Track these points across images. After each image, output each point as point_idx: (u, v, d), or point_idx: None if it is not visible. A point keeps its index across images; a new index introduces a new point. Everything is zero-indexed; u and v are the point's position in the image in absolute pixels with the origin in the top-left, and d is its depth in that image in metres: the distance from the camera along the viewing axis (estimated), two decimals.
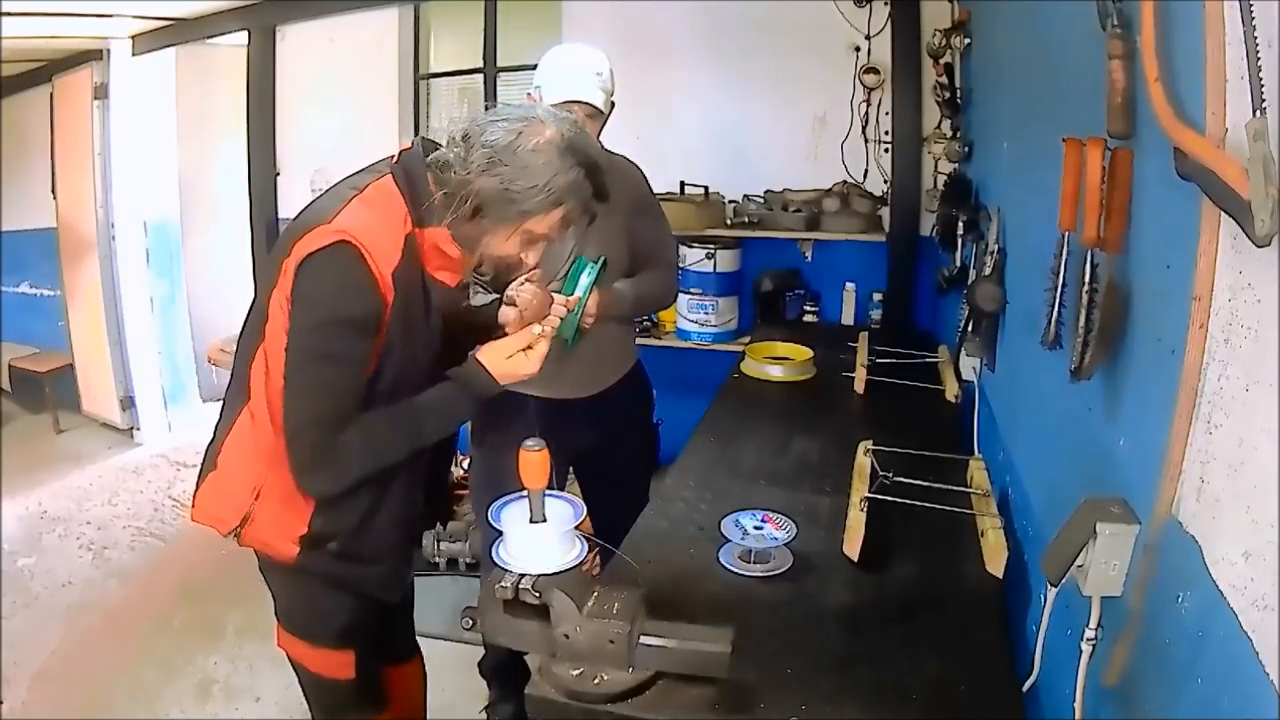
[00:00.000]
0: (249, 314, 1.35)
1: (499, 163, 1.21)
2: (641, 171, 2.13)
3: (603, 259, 1.87)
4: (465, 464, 3.02)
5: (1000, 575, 1.41)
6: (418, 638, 1.79)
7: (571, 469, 2.18)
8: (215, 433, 1.41)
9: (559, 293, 1.81)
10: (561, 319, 1.70)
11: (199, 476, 1.43)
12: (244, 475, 1.37)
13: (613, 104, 1.93)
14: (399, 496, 1.42)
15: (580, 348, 1.94)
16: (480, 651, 2.22)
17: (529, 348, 1.37)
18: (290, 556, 1.37)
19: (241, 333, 1.37)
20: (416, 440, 1.35)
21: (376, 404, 1.31)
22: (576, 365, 2.00)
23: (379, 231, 1.24)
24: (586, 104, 1.83)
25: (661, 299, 2.25)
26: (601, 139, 1.96)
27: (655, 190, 2.29)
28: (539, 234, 1.27)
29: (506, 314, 1.54)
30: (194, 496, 1.43)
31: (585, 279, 1.82)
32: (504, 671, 2.15)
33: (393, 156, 1.33)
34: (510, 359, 1.36)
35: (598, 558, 1.55)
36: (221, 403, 1.42)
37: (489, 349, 1.38)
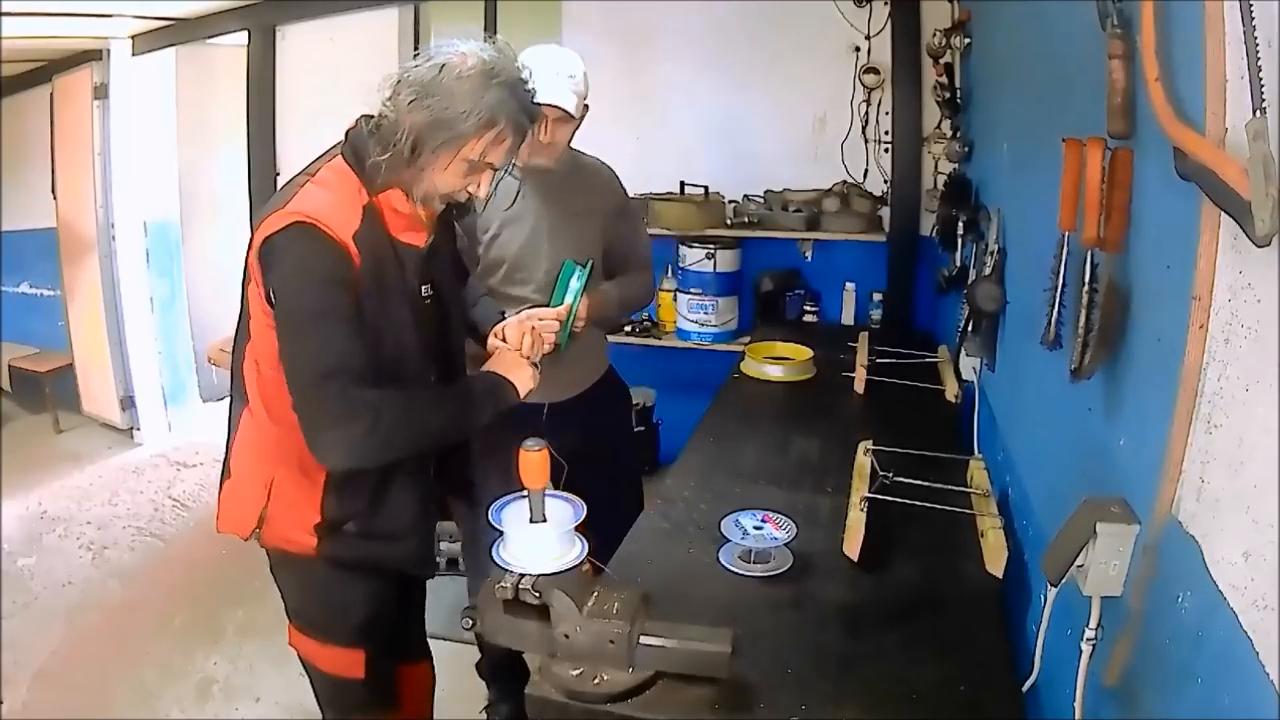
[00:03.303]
0: (238, 318, 1.37)
1: (426, 95, 1.23)
2: (614, 173, 2.11)
3: (590, 262, 1.87)
4: None
5: (1000, 575, 1.41)
6: None
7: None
8: (227, 441, 1.43)
9: (546, 304, 1.82)
10: (556, 331, 1.72)
11: (219, 486, 1.46)
12: (255, 477, 1.38)
13: (586, 107, 1.90)
14: (408, 470, 1.41)
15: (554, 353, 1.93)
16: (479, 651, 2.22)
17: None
18: (310, 548, 1.38)
19: (235, 337, 1.38)
20: (446, 420, 1.37)
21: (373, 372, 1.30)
22: (553, 370, 1.99)
23: (334, 206, 1.26)
24: (556, 107, 1.79)
25: (642, 299, 2.24)
26: (575, 142, 1.93)
27: (655, 190, 2.29)
28: (479, 160, 1.28)
29: (494, 346, 1.57)
30: (218, 507, 1.45)
31: (575, 283, 1.82)
32: (503, 672, 2.14)
33: (343, 139, 1.35)
34: (518, 366, 1.48)
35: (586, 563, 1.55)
36: (228, 410, 1.43)
37: (496, 363, 1.48)
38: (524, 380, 1.46)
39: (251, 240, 1.27)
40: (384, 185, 1.29)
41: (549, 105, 1.79)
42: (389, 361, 1.33)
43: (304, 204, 1.24)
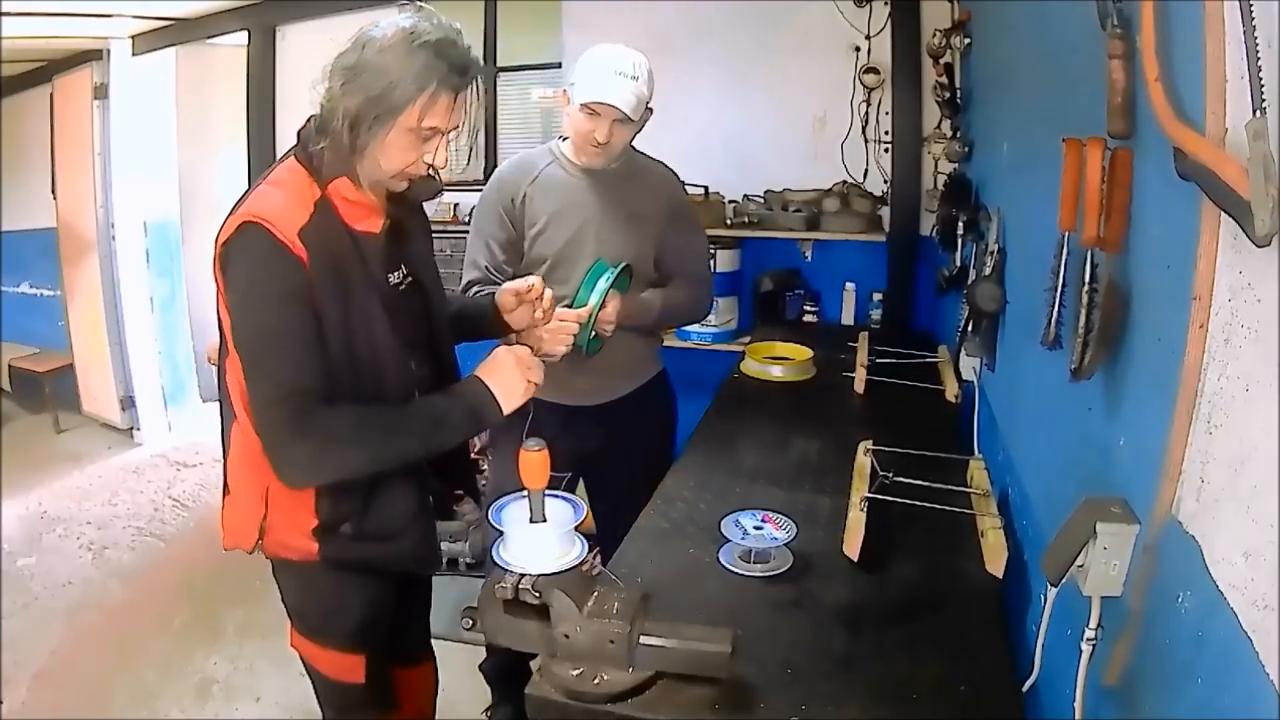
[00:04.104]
0: (219, 332, 1.36)
1: (354, 75, 1.23)
2: (676, 176, 2.09)
3: (623, 264, 1.83)
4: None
5: (1000, 575, 1.41)
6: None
7: (584, 475, 2.17)
8: (223, 457, 1.43)
9: (572, 302, 1.80)
10: (574, 334, 1.71)
11: (222, 504, 1.45)
12: (251, 489, 1.38)
13: (650, 110, 1.88)
14: (402, 468, 1.39)
15: (590, 357, 1.91)
16: (481, 652, 2.22)
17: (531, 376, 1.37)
18: (312, 553, 1.38)
19: (219, 352, 1.37)
20: (408, 443, 1.31)
21: (341, 368, 1.28)
22: (587, 373, 1.98)
23: (284, 203, 1.25)
24: (610, 106, 1.78)
25: (691, 311, 2.16)
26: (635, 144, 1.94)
27: None
28: (422, 127, 1.26)
29: (506, 302, 1.56)
30: (221, 524, 1.45)
31: (602, 283, 1.78)
32: (505, 674, 2.14)
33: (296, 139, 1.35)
34: (513, 376, 1.36)
35: (597, 558, 1.54)
36: (220, 426, 1.43)
37: (487, 368, 1.37)
38: (513, 395, 1.36)
39: (215, 251, 1.26)
40: (331, 174, 1.28)
41: (602, 104, 1.78)
42: (365, 355, 1.31)
43: (254, 206, 1.24)
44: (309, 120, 1.32)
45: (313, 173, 1.29)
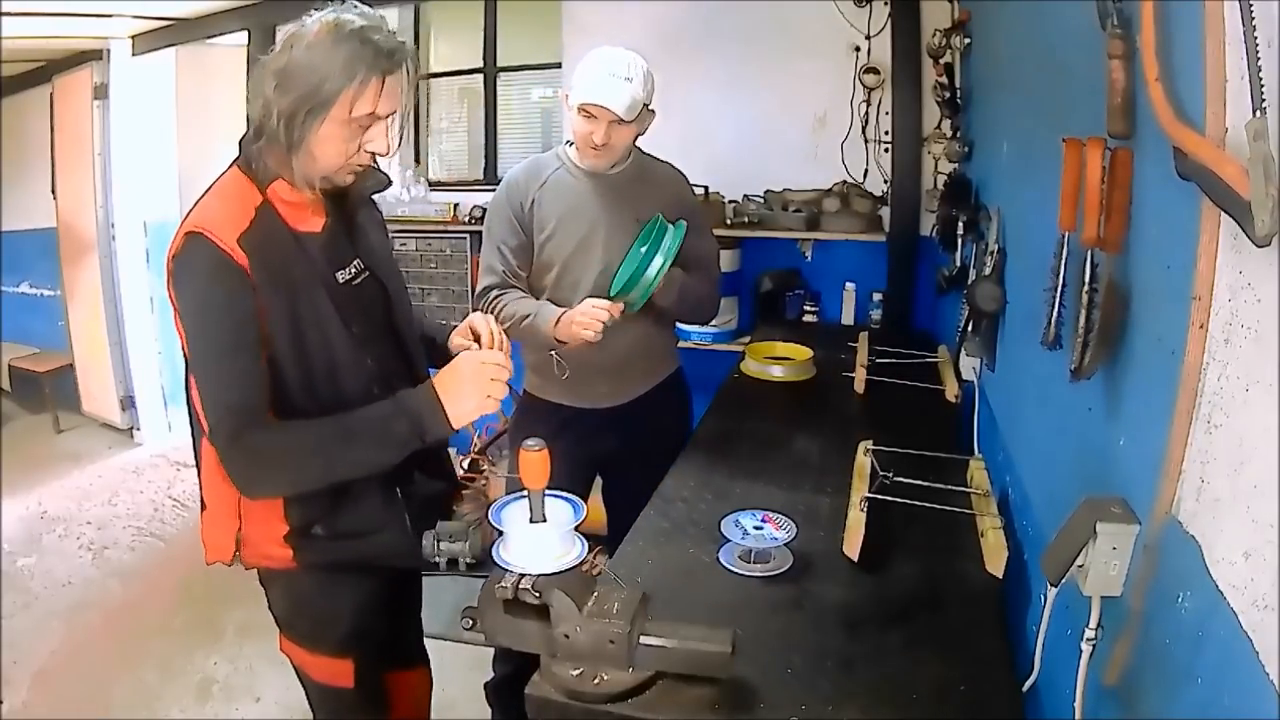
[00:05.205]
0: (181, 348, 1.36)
1: (286, 77, 1.23)
2: (684, 178, 2.10)
3: (684, 224, 1.86)
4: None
5: (1000, 575, 1.41)
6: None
7: (600, 476, 2.17)
8: (197, 473, 1.42)
9: (617, 270, 1.83)
10: (603, 320, 1.76)
11: (201, 519, 1.45)
12: (224, 502, 1.37)
13: (652, 112, 1.89)
14: None
15: (607, 359, 1.92)
16: (482, 654, 2.21)
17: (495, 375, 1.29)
18: (288, 560, 1.38)
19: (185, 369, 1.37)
20: (349, 457, 1.28)
21: (293, 371, 1.28)
22: (603, 376, 1.99)
23: (224, 211, 1.25)
24: (604, 108, 1.79)
25: (704, 303, 2.14)
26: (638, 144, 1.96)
27: None
28: (359, 115, 1.25)
29: (458, 345, 1.49)
30: (202, 540, 1.44)
31: (669, 241, 1.79)
32: (506, 696, 2.13)
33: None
34: (469, 386, 1.28)
35: (599, 558, 1.54)
36: (191, 442, 1.42)
37: (443, 374, 1.30)
38: (462, 407, 1.28)
39: (166, 267, 1.26)
40: (269, 177, 1.29)
41: (596, 106, 1.79)
42: (318, 354, 1.30)
43: (196, 216, 1.25)
44: (248, 128, 1.32)
45: (253, 178, 1.29)
